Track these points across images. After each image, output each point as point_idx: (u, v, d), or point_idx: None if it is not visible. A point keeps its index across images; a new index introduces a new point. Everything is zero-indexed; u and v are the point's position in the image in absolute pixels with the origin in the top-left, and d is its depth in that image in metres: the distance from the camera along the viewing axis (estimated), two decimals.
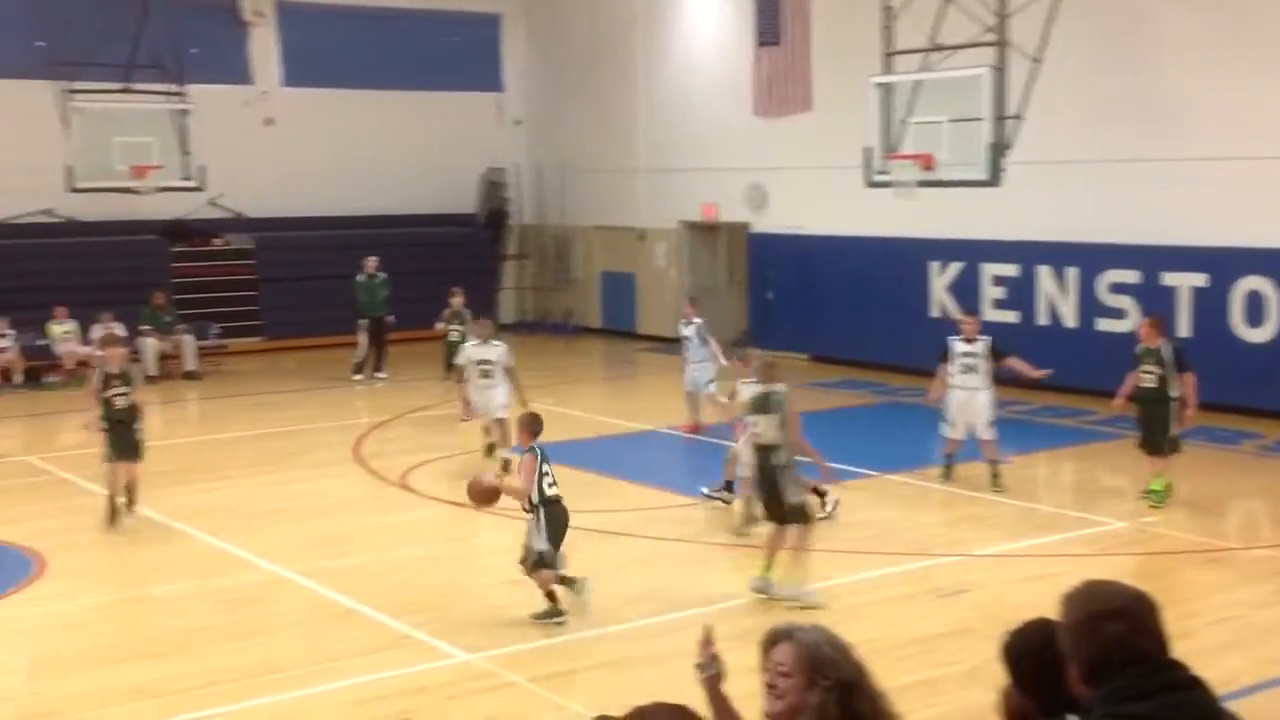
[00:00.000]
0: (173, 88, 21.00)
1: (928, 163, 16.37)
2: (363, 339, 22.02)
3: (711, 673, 4.23)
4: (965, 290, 20.29)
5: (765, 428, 10.30)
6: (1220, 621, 9.54)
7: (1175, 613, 3.35)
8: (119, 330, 21.94)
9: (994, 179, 16.14)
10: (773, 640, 3.71)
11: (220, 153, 22.11)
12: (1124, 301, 18.37)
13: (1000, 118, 15.98)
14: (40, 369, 21.74)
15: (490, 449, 15.08)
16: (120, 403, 12.62)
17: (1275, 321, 16.87)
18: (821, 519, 11.59)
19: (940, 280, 20.90)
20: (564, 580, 9.89)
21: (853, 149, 17.79)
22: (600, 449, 16.17)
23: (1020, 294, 19.66)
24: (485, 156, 28.28)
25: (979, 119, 15.92)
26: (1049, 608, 3.53)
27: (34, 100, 20.99)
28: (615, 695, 8.05)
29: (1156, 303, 17.15)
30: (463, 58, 28.47)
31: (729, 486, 12.93)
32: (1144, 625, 3.20)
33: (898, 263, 21.31)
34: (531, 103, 28.95)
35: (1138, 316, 16.68)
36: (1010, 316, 19.28)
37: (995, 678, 3.74)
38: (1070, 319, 19.15)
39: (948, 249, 20.68)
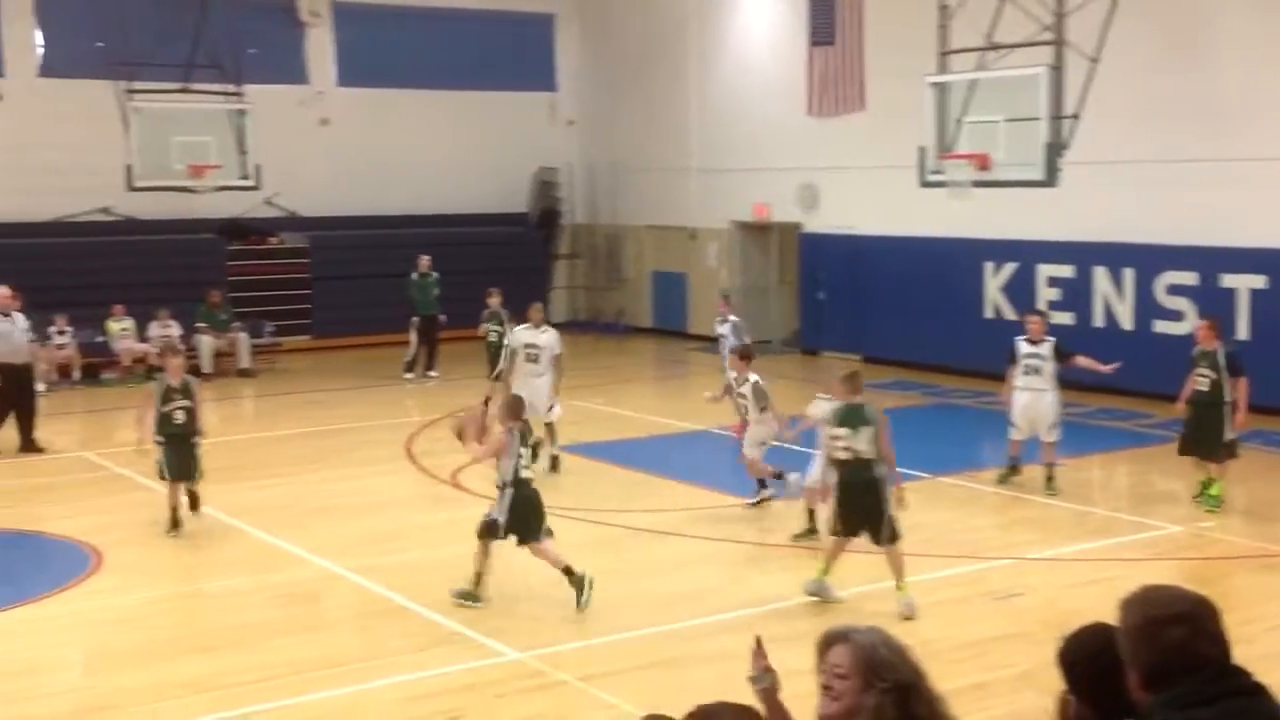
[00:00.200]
0: (230, 88, 21.15)
1: (983, 163, 16.24)
2: (414, 337, 22.15)
3: (765, 685, 4.18)
4: (1020, 291, 20.12)
5: (857, 441, 9.95)
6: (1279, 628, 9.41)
7: (1233, 619, 3.30)
8: (175, 330, 22.28)
9: (1051, 179, 15.98)
10: (829, 642, 3.67)
11: (276, 152, 22.29)
12: (1181, 303, 18.15)
13: (1057, 117, 15.82)
14: (98, 366, 21.99)
15: (534, 450, 14.93)
16: (179, 417, 12.32)
17: None
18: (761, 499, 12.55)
19: (994, 281, 20.74)
20: (569, 574, 10.03)
21: (906, 149, 17.68)
22: (651, 449, 16.17)
23: (1076, 295, 19.47)
24: (538, 156, 28.36)
25: (1035, 119, 15.76)
26: (1104, 612, 3.48)
27: (94, 100, 21.23)
28: (665, 695, 8.03)
29: (1215, 305, 16.93)
30: (516, 58, 28.57)
31: (763, 484, 13.03)
32: (1206, 630, 3.15)
33: (951, 263, 21.16)
34: (584, 102, 28.99)
35: (1195, 319, 16.47)
36: (1065, 318, 19.08)
37: (1048, 682, 3.69)
38: (1127, 321, 18.95)
39: (1002, 249, 20.51)
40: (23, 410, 16.37)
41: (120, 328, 22.40)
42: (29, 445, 16.33)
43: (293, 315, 25.28)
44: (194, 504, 12.69)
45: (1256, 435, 14.48)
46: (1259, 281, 17.27)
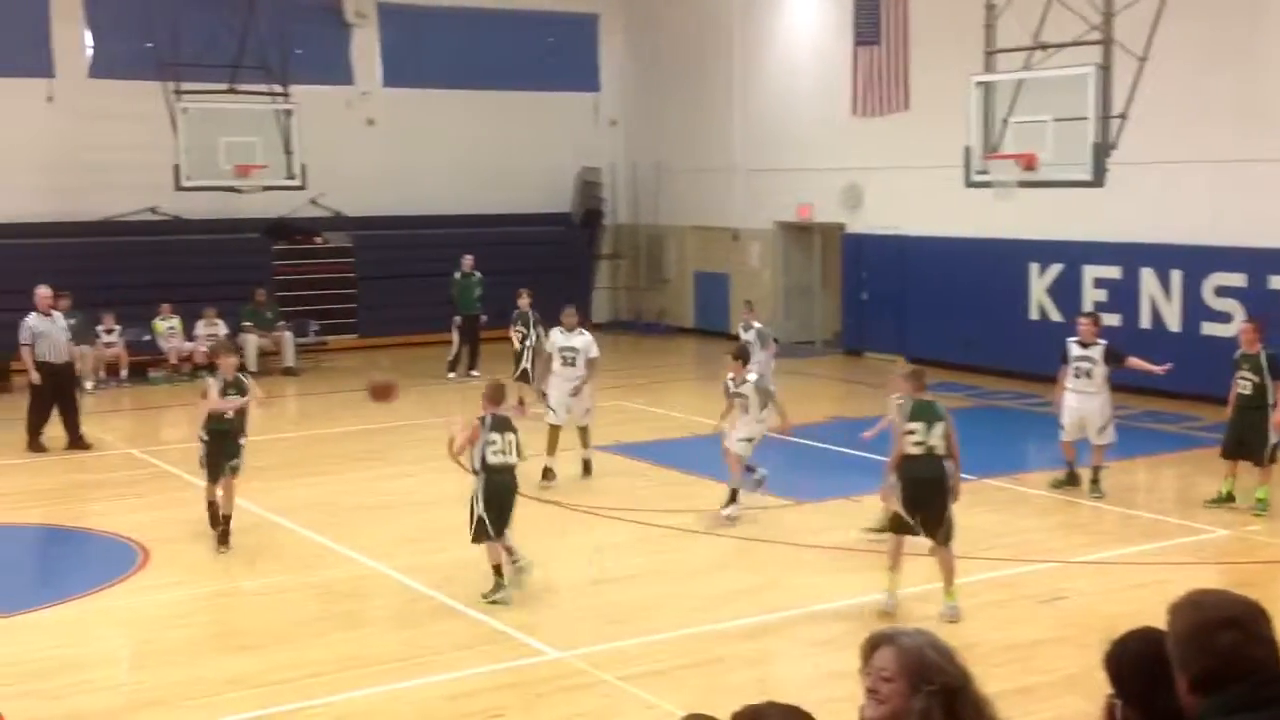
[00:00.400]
0: (277, 88, 21.31)
1: (1029, 163, 16.11)
2: (456, 337, 22.25)
3: None
4: (1065, 293, 19.97)
5: (931, 436, 9.92)
6: None
7: None
8: (221, 328, 22.46)
9: (1098, 180, 15.84)
10: (874, 644, 3.63)
11: (321, 152, 22.43)
12: (1230, 305, 17.95)
13: (1105, 117, 15.68)
14: (145, 364, 22.19)
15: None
16: (229, 414, 12.14)
17: None
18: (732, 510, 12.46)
19: (1040, 282, 20.60)
20: (509, 552, 10.28)
21: (951, 149, 17.58)
22: (691, 449, 16.15)
23: (1122, 297, 19.30)
24: (581, 156, 28.41)
25: (1083, 118, 15.63)
26: (1149, 616, 3.45)
27: (143, 101, 21.43)
28: (706, 695, 8.03)
29: (1264, 307, 16.73)
30: (560, 58, 28.62)
31: (734, 497, 12.87)
32: (1258, 634, 3.11)
33: (996, 264, 21.03)
34: (627, 102, 29.01)
35: (1242, 321, 16.30)
36: (1112, 320, 18.88)
37: (1093, 687, 3.66)
38: (1174, 323, 18.77)
39: (1048, 250, 20.37)
40: (66, 408, 16.55)
41: (167, 326, 22.60)
42: (76, 442, 16.51)
43: (337, 314, 25.43)
44: (225, 527, 12.06)
45: None
46: None
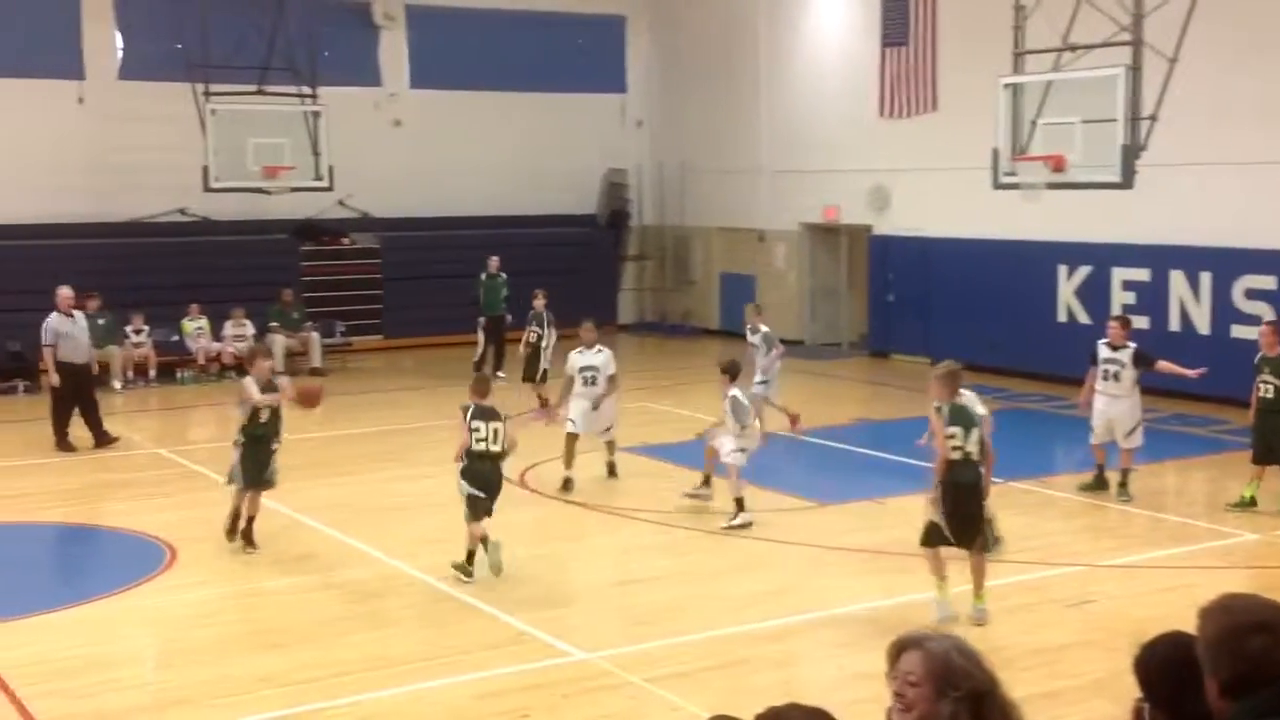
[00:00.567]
0: (305, 90, 21.40)
1: (1058, 164, 16.03)
2: (481, 338, 22.28)
3: None
4: (1094, 295, 19.87)
5: (969, 441, 9.73)
6: None
7: None
8: (249, 329, 22.57)
9: (1127, 181, 15.75)
10: (901, 648, 3.61)
11: (349, 153, 22.51)
12: (1260, 308, 17.79)
13: (1134, 118, 15.59)
14: (173, 364, 22.31)
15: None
16: (264, 416, 12.01)
17: None
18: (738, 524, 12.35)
19: (1068, 285, 20.50)
20: (482, 538, 10.68)
21: (978, 150, 17.51)
22: None
23: (1151, 299, 19.19)
24: (607, 157, 28.43)
25: (1112, 120, 15.54)
26: (1178, 620, 3.43)
27: (172, 102, 21.53)
28: (732, 697, 8.02)
29: None
30: (586, 59, 28.66)
31: (707, 482, 13.09)
32: None
33: (1024, 266, 20.94)
34: (654, 104, 29.01)
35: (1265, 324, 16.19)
36: (1141, 322, 18.76)
37: (1120, 691, 3.64)
38: (1203, 325, 18.65)
39: (1076, 252, 20.27)
40: (86, 408, 16.66)
41: (195, 327, 22.71)
42: (101, 439, 16.62)
43: (364, 315, 25.51)
44: (249, 535, 11.94)
45: None
46: None
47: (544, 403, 18.03)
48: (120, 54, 24.41)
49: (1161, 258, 19.10)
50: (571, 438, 14.27)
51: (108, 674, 9.04)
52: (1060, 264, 20.54)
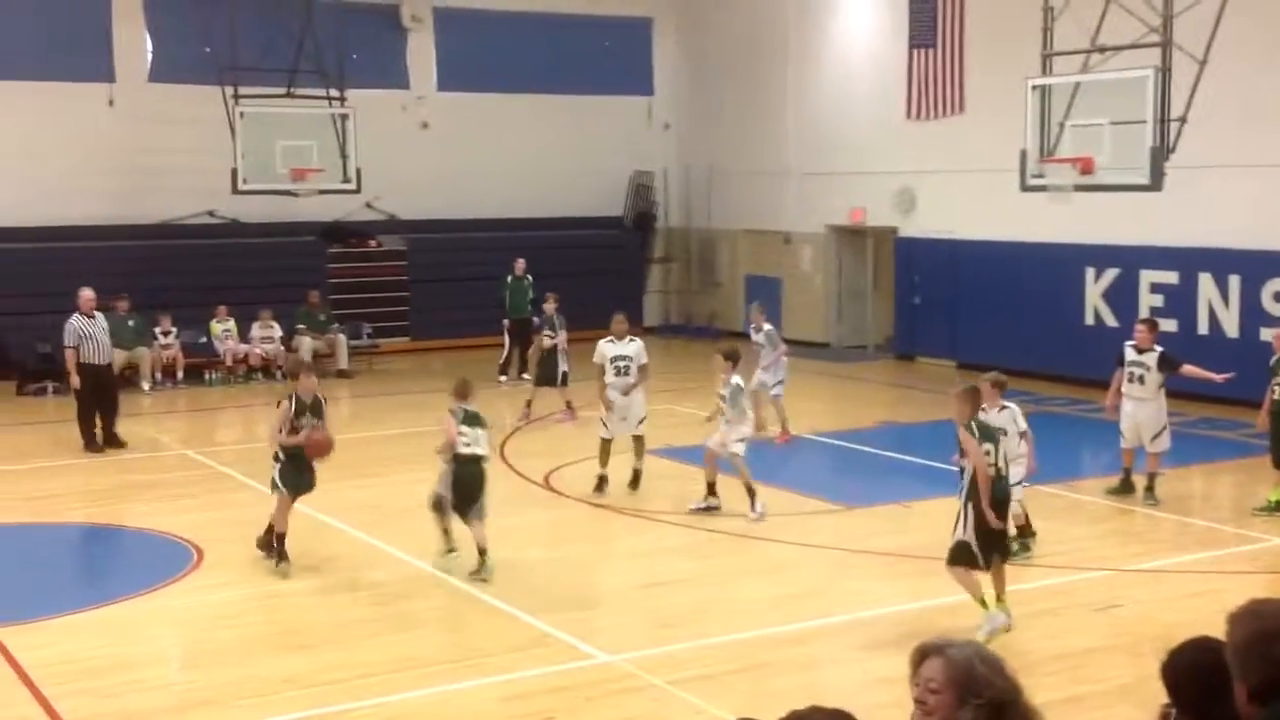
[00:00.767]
0: (333, 92, 21.47)
1: (1086, 166, 15.96)
2: (506, 340, 22.30)
3: None
4: (1122, 298, 19.76)
5: (997, 456, 9.54)
6: None
7: None
8: (276, 331, 22.67)
9: (1156, 184, 15.66)
10: (923, 655, 3.60)
11: (377, 156, 22.57)
12: None
13: (1163, 120, 15.50)
14: (201, 366, 22.42)
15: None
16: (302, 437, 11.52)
17: None
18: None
19: (1096, 287, 20.39)
20: (446, 535, 11.17)
21: (1005, 152, 17.44)
22: None
23: (1180, 302, 19.07)
24: (634, 159, 28.44)
25: (1141, 121, 15.45)
26: (1205, 625, 3.41)
27: (202, 105, 21.64)
28: (756, 699, 8.01)
29: None
30: (614, 61, 28.69)
31: (712, 490, 13.06)
32: None
33: (1051, 268, 20.84)
34: (681, 106, 29.01)
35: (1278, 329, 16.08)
36: (1169, 325, 18.66)
37: (1146, 696, 3.62)
38: (1232, 328, 18.52)
39: (1104, 255, 20.16)
40: (106, 409, 16.77)
41: (223, 328, 22.82)
42: (111, 440, 16.73)
43: (391, 317, 25.59)
44: (280, 549, 11.58)
45: None
46: None
47: (568, 407, 18.05)
48: (150, 57, 24.56)
49: (1190, 260, 18.98)
50: (606, 442, 14.23)
51: (134, 674, 9.08)
52: (1088, 266, 20.44)
